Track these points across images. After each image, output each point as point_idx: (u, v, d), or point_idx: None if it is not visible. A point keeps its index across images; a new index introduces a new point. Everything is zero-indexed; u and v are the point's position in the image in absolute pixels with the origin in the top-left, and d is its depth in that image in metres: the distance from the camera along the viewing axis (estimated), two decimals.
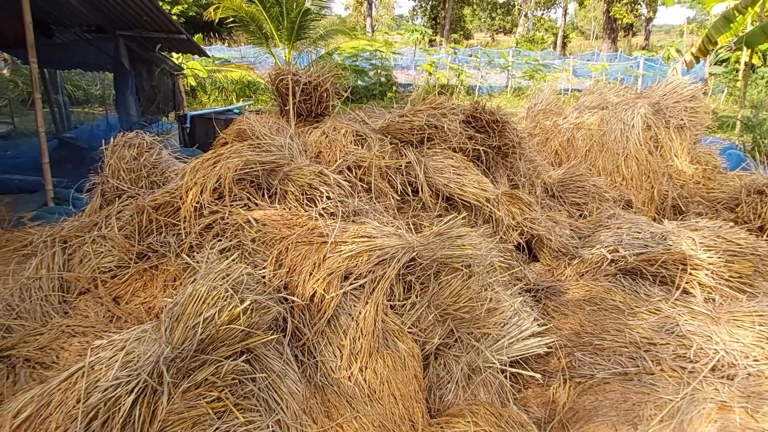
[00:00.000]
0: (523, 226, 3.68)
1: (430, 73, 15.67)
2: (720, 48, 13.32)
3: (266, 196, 2.85)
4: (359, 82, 15.28)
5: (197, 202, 2.59)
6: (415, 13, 42.32)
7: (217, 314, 1.92)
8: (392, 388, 2.42)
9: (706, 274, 3.50)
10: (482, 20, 51.55)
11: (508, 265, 3.59)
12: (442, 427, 2.44)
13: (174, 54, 13.49)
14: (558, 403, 3.03)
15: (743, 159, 6.75)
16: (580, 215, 4.88)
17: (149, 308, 2.47)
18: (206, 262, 2.26)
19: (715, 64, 16.76)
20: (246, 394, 2.06)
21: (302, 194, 2.70)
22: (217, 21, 12.86)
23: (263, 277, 2.37)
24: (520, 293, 3.42)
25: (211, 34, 27.42)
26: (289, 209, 2.69)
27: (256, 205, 2.80)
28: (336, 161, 3.02)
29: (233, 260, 2.15)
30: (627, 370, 2.99)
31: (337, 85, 3.76)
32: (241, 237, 2.55)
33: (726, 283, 3.51)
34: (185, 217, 2.57)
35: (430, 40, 32.33)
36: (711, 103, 14.45)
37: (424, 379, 2.69)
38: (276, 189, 2.83)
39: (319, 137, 3.19)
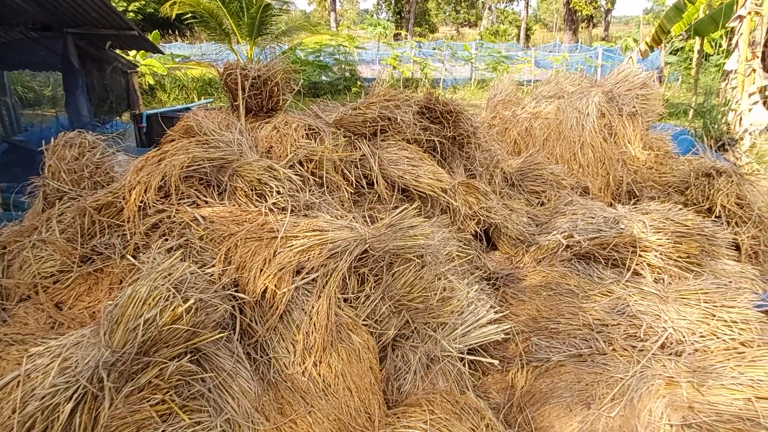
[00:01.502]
0: (479, 215, 3.72)
1: (394, 67, 15.67)
2: (674, 38, 13.73)
3: (216, 193, 2.80)
4: (323, 78, 15.17)
5: (141, 202, 2.52)
6: (379, 7, 42.25)
7: (158, 315, 1.87)
8: (347, 381, 2.41)
9: (656, 256, 3.61)
10: (447, 14, 51.85)
11: (466, 254, 3.62)
12: (398, 417, 2.45)
13: (131, 52, 13.12)
14: (516, 387, 3.08)
15: (694, 144, 6.97)
16: (539, 203, 4.96)
17: (93, 313, 2.39)
18: (151, 262, 2.20)
19: (670, 53, 17.26)
20: (194, 395, 2.02)
21: (252, 190, 2.66)
22: (174, 17, 12.54)
23: (211, 275, 2.33)
24: (478, 281, 3.46)
25: (171, 31, 26.76)
26: (239, 205, 2.64)
27: (206, 202, 2.74)
28: (287, 156, 2.98)
29: (176, 259, 2.10)
30: (581, 352, 3.05)
31: (292, 80, 3.71)
32: (188, 235, 2.49)
33: (674, 264, 3.62)
34: (129, 218, 2.50)
35: (396, 34, 32.33)
36: (666, 90, 14.90)
37: (381, 370, 2.69)
38: (226, 185, 2.78)
39: (270, 132, 3.15)
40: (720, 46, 14.57)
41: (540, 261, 3.90)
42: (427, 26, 43.45)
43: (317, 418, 2.26)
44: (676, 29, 11.58)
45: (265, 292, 2.42)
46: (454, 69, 18.30)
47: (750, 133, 8.07)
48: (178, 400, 1.92)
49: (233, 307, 2.26)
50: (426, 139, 3.68)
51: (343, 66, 15.66)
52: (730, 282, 3.84)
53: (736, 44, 8.32)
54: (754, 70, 8.22)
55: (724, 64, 8.96)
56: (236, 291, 2.39)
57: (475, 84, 16.90)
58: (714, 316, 3.15)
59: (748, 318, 3.10)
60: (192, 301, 1.95)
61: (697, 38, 12.03)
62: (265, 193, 2.68)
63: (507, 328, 3.13)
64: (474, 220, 3.69)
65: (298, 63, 14.45)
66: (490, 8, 47.09)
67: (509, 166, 5.11)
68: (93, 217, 2.57)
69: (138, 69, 9.01)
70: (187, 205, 2.62)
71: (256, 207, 2.61)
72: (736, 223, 4.56)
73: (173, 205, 2.58)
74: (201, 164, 2.69)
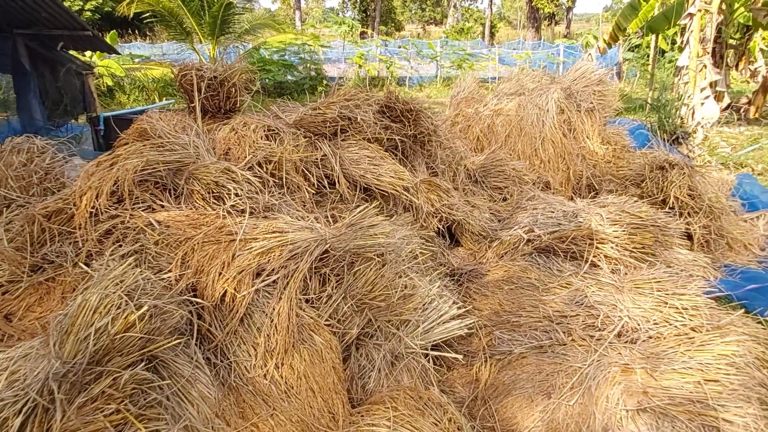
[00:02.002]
0: (442, 212, 3.76)
1: (360, 66, 15.64)
2: (631, 35, 14.15)
3: (172, 197, 2.74)
4: (289, 77, 15.02)
5: (93, 207, 2.45)
6: (345, 5, 42.10)
7: (110, 323, 1.83)
8: (310, 382, 2.41)
9: (612, 247, 3.72)
10: (413, 12, 52.07)
11: (430, 251, 3.66)
12: (362, 416, 2.46)
13: (87, 52, 12.72)
14: (480, 380, 3.13)
15: (650, 138, 7.21)
16: (502, 198, 5.05)
17: (45, 323, 2.32)
18: (104, 269, 2.15)
19: (629, 50, 17.79)
20: (150, 403, 1.98)
21: (209, 193, 2.62)
22: (131, 16, 12.21)
23: (168, 280, 2.29)
24: (441, 278, 3.50)
25: (131, 31, 26.06)
26: (196, 209, 2.61)
27: (161, 206, 2.69)
28: (246, 157, 2.95)
29: (129, 265, 2.06)
30: (542, 344, 3.12)
31: (251, 81, 3.67)
32: (143, 241, 2.44)
33: (630, 254, 3.75)
34: (80, 224, 2.43)
35: (362, 33, 32.28)
36: (626, 86, 15.34)
37: (345, 370, 2.70)
38: (182, 189, 2.73)
39: (228, 134, 3.11)
40: (675, 42, 15.10)
41: (502, 256, 3.97)
42: (393, 24, 43.57)
43: (279, 420, 2.25)
44: (632, 27, 11.93)
45: (224, 295, 2.40)
46: (420, 67, 18.41)
47: (702, 127, 8.39)
48: (134, 409, 1.88)
49: (191, 312, 2.23)
50: (387, 138, 3.70)
51: (308, 65, 15.55)
52: (683, 270, 4.00)
53: (687, 41, 8.64)
54: (705, 66, 8.55)
55: (677, 60, 9.28)
56: (194, 296, 2.35)
57: (441, 82, 17.03)
58: (666, 303, 3.27)
59: (698, 304, 3.23)
60: (146, 308, 1.92)
61: (652, 35, 12.42)
62: (223, 195, 2.65)
63: (470, 323, 3.18)
64: (436, 217, 3.73)
65: (261, 63, 14.27)
66: (455, 6, 47.53)
67: (472, 163, 5.18)
68: (42, 225, 2.49)
69: (94, 70, 8.75)
70: (142, 210, 2.56)
71: (214, 210, 2.58)
72: (688, 213, 4.74)
73: (127, 210, 2.53)
74: (156, 168, 2.64)
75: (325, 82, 15.24)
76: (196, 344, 2.30)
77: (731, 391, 2.64)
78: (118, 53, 12.15)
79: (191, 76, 3.19)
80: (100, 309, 1.84)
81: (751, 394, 2.67)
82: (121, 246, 2.43)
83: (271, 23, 14.60)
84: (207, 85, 3.21)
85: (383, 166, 3.50)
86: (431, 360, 3.02)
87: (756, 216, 5.42)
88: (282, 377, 2.36)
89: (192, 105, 3.26)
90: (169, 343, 2.03)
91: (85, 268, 2.32)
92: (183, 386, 2.15)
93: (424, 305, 2.98)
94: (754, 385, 2.75)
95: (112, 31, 17.93)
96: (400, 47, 18.84)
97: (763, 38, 17.71)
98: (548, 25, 44.00)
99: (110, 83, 13.62)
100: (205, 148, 2.91)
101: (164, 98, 13.37)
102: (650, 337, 3.07)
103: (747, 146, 8.32)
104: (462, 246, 4.17)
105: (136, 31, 26.49)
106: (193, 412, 2.10)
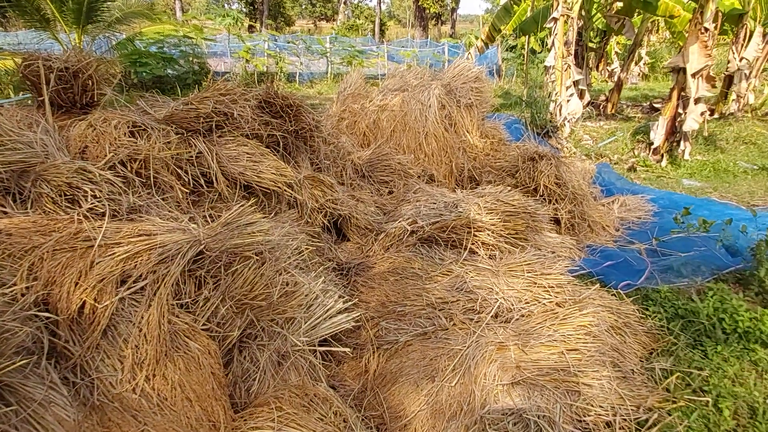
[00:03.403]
0: (326, 207, 3.75)
1: (247, 61, 15.11)
2: (507, 36, 15.15)
3: (17, 202, 2.45)
4: (168, 71, 14.07)
5: None
6: None
7: None
8: (186, 391, 2.28)
9: (488, 234, 3.96)
10: (303, 7, 51.42)
11: (316, 247, 3.63)
12: (245, 420, 2.38)
13: None
14: (369, 371, 3.18)
15: (523, 132, 7.79)
16: (389, 192, 5.17)
17: None
18: None
19: (507, 50, 19.06)
20: None
21: (60, 195, 2.37)
22: None
23: (10, 295, 2.03)
24: (327, 273, 3.50)
25: None
26: (45, 214, 2.34)
27: (4, 213, 2.39)
28: (105, 156, 2.71)
29: None
30: (426, 330, 3.24)
31: (111, 72, 3.37)
32: None
33: (504, 240, 4.02)
34: None
35: (250, 26, 31.20)
36: (505, 84, 16.42)
37: (227, 375, 2.60)
38: (29, 192, 2.44)
39: (85, 130, 2.83)
40: (546, 44, 16.43)
41: (388, 248, 4.06)
42: (283, 19, 42.67)
43: None
44: (508, 28, 12.80)
45: (83, 307, 2.19)
46: (312, 63, 18.23)
47: (568, 121, 9.24)
48: None
49: (39, 328, 2.00)
50: (267, 134, 3.61)
51: (191, 58, 14.69)
52: (552, 252, 4.38)
53: (553, 43, 9.44)
54: (569, 66, 9.40)
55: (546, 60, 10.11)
56: (46, 310, 2.12)
57: (332, 78, 17.00)
58: (536, 283, 3.56)
59: (562, 282, 3.56)
60: None
61: (524, 37, 13.41)
62: (78, 198, 2.41)
63: (357, 316, 3.21)
64: (321, 212, 3.71)
65: (137, 55, 13.23)
66: (345, 3, 47.69)
67: (359, 158, 5.24)
68: None
69: None
70: None
71: (67, 214, 2.34)
72: (555, 200, 5.18)
73: None
74: None
75: (210, 77, 14.50)
76: (50, 363, 2.08)
77: (589, 357, 2.94)
78: None
79: (37, 67, 2.85)
80: None
81: (605, 359, 2.99)
82: None
83: (147, 12, 13.57)
84: (58, 76, 2.90)
85: (264, 163, 3.40)
86: (320, 356, 3.01)
87: (612, 200, 6.09)
88: (154, 389, 2.21)
89: (40, 99, 2.92)
90: (13, 365, 1.81)
91: None
92: (35, 411, 1.93)
93: (308, 302, 2.95)
94: (608, 350, 3.09)
95: None
96: (289, 42, 18.49)
97: (618, 42, 19.94)
98: (435, 25, 45.80)
99: None
100: (56, 147, 2.62)
101: (21, 93, 11.91)
102: (522, 316, 3.32)
103: (605, 139, 9.31)
104: (349, 240, 4.20)
105: None
106: None
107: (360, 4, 49.08)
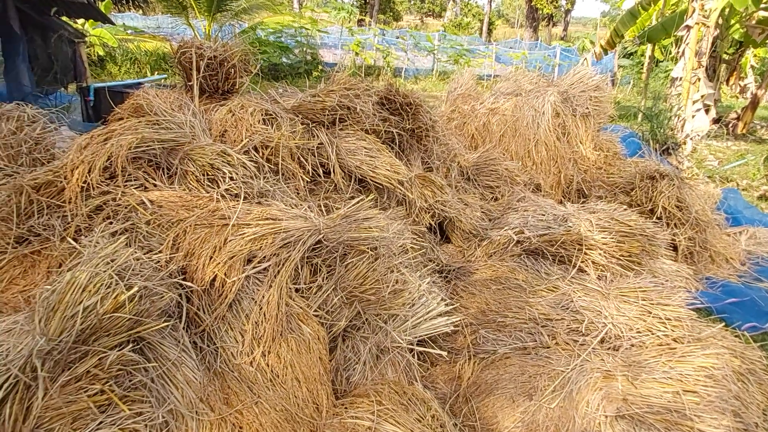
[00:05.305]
0: (434, 208, 3.75)
1: (356, 54, 15.51)
2: (627, 42, 14.23)
3: (165, 176, 2.70)
4: (284, 60, 14.82)
5: (84, 182, 2.40)
6: None
7: (99, 303, 1.80)
8: (296, 372, 2.40)
9: (600, 254, 3.76)
10: (412, 2, 51.74)
11: (420, 246, 3.66)
12: (346, 408, 2.46)
13: (80, 20, 12.40)
14: (463, 378, 3.15)
15: (641, 146, 7.29)
16: (493, 198, 5.07)
17: (29, 297, 2.27)
18: (93, 246, 2.11)
19: (624, 57, 17.92)
20: (135, 385, 1.96)
21: (203, 175, 2.58)
22: None
23: (158, 261, 2.25)
24: (430, 274, 3.51)
25: (124, 1, 25.45)
26: (189, 190, 2.56)
27: (154, 185, 2.64)
28: (242, 141, 2.90)
29: (120, 244, 2.02)
30: (526, 345, 3.16)
31: (250, 62, 3.61)
32: (134, 219, 2.40)
33: (616, 262, 3.79)
34: (70, 198, 2.37)
35: (360, 20, 31.95)
36: (618, 93, 15.46)
37: (331, 361, 2.69)
38: (176, 169, 2.68)
39: (225, 115, 3.06)
40: (670, 53, 15.23)
41: (491, 255, 3.99)
42: (391, 14, 43.24)
43: (264, 408, 2.24)
44: (630, 34, 12.02)
45: (214, 280, 2.37)
46: (417, 59, 18.31)
47: (691, 139, 8.51)
48: (119, 390, 1.85)
49: (180, 295, 2.20)
50: (385, 131, 3.68)
51: (304, 49, 15.36)
52: (667, 281, 4.07)
53: (683, 53, 8.72)
54: (699, 79, 8.64)
55: (671, 70, 9.37)
56: (184, 279, 2.32)
57: (437, 75, 16.97)
58: (650, 313, 3.32)
59: (681, 315, 3.29)
60: (136, 288, 1.89)
61: (648, 44, 12.51)
62: (218, 178, 2.61)
63: (456, 321, 3.19)
64: (429, 213, 3.73)
65: (257, 43, 14.05)
66: (454, 0, 47.30)
67: (466, 161, 5.19)
68: (31, 197, 2.43)
69: (86, 39, 8.52)
70: (134, 188, 2.51)
71: (208, 192, 2.54)
72: (675, 224, 4.81)
73: (119, 187, 2.47)
74: (150, 146, 2.59)
75: (320, 67, 15.08)
76: (183, 328, 2.27)
77: (708, 403, 2.70)
78: (112, 23, 11.85)
79: (190, 54, 3.12)
80: (90, 288, 1.80)
81: (727, 406, 2.73)
82: (111, 223, 2.38)
83: (269, 3, 14.37)
84: (206, 64, 3.15)
85: (379, 159, 3.48)
86: (415, 355, 3.04)
87: (739, 231, 5.53)
88: (268, 365, 2.35)
89: (189, 83, 3.20)
90: (157, 325, 2.01)
91: (74, 243, 2.27)
92: (169, 369, 2.12)
93: (412, 301, 2.98)
94: (730, 397, 2.82)
95: (105, 0, 17.48)
96: (398, 38, 18.71)
97: (755, 55, 17.98)
98: (546, 26, 44.06)
99: (101, 53, 13.30)
100: (201, 129, 2.86)
101: (156, 72, 13.12)
102: (633, 346, 3.13)
103: (733, 161, 8.46)
104: (452, 243, 4.18)
105: (131, 2, 25.87)
106: (178, 395, 2.08)
107: (469, 2, 48.41)
